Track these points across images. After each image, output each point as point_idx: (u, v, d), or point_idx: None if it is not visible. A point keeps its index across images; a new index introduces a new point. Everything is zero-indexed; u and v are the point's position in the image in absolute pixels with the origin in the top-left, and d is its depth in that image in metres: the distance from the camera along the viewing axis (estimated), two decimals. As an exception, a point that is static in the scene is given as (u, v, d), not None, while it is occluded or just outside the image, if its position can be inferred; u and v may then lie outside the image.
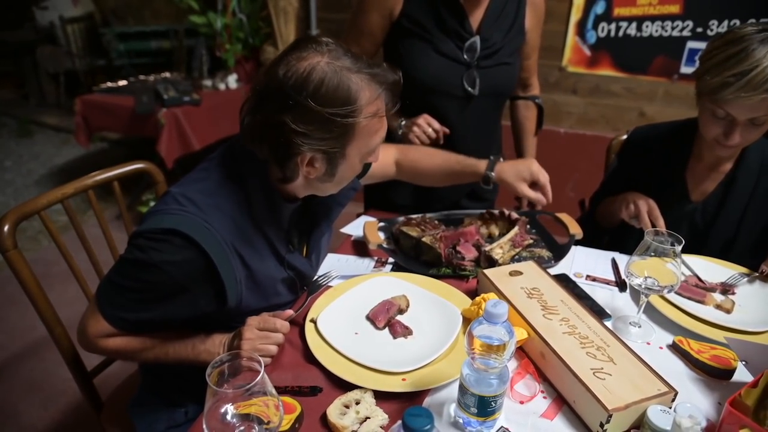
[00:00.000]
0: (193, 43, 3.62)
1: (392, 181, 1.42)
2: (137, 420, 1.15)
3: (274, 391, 0.67)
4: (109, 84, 3.38)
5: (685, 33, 2.63)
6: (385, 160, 1.33)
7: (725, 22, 2.56)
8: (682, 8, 2.59)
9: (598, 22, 2.72)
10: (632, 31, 2.69)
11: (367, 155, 0.96)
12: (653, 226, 1.26)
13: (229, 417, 0.67)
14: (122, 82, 3.38)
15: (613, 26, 2.71)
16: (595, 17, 2.72)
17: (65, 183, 1.28)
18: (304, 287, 1.11)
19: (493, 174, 1.31)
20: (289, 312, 0.99)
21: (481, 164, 1.33)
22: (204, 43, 3.40)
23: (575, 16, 2.75)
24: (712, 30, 2.58)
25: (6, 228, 1.13)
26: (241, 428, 0.69)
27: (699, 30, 2.60)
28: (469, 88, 1.45)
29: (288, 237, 1.04)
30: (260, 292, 1.00)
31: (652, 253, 0.98)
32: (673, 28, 2.63)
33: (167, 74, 3.53)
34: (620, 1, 2.65)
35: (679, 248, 0.97)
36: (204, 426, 0.66)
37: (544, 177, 1.30)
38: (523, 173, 1.30)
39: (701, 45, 2.63)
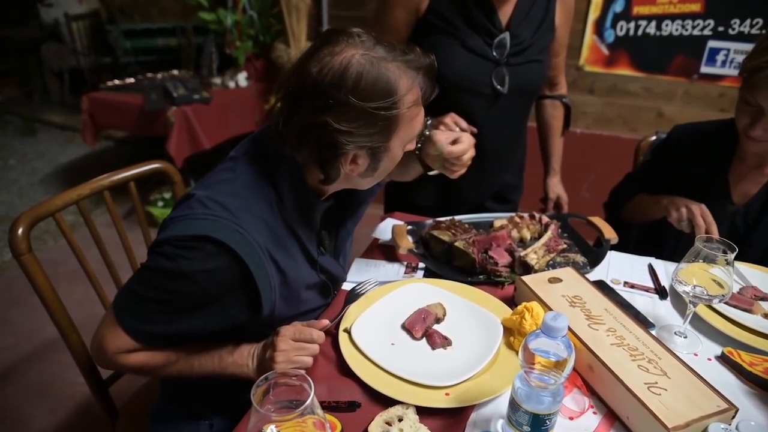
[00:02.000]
0: (201, 41, 3.57)
1: (415, 182, 1.36)
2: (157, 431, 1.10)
3: (321, 412, 0.62)
4: (117, 81, 3.31)
5: (706, 32, 2.57)
6: None
7: (747, 21, 2.50)
8: (703, 7, 2.53)
9: (617, 21, 2.67)
10: (651, 29, 2.63)
11: (407, 144, 0.93)
12: (706, 231, 1.21)
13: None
14: (129, 80, 3.32)
15: (632, 25, 2.65)
16: (613, 15, 2.66)
17: (70, 182, 1.25)
18: (335, 291, 1.06)
19: (426, 133, 1.19)
20: (325, 321, 0.93)
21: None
22: (213, 40, 3.35)
23: (593, 14, 2.69)
24: (733, 29, 2.53)
25: (20, 231, 1.09)
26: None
27: (720, 29, 2.54)
28: (498, 86, 1.39)
29: (319, 239, 1.00)
30: (293, 298, 0.95)
31: (702, 261, 0.93)
32: (693, 27, 2.58)
33: (175, 72, 3.47)
34: (640, 0, 2.60)
35: (731, 256, 0.92)
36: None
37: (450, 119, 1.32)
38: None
39: (722, 44, 2.57)
